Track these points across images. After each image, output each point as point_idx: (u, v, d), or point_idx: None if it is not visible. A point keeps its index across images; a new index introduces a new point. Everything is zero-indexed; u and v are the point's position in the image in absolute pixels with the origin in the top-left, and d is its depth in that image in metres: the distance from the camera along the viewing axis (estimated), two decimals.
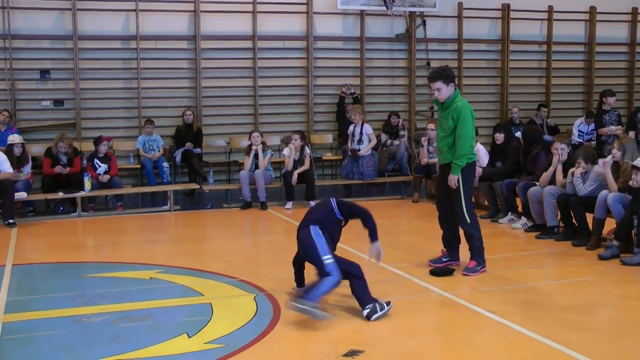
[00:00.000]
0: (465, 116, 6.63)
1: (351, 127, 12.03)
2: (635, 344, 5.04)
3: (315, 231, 5.66)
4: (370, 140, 11.89)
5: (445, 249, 7.21)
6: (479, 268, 6.90)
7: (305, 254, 5.73)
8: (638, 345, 5.03)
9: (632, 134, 10.14)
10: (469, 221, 6.83)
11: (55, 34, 12.45)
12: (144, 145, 12.22)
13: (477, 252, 6.93)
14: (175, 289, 6.48)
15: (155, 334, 5.23)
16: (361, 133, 11.85)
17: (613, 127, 11.99)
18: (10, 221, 9.62)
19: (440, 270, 6.92)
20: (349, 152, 11.90)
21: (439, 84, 6.68)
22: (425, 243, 7.96)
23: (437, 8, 14.01)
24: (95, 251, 8.83)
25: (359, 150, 11.76)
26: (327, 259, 5.52)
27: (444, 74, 6.71)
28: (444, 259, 7.14)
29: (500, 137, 9.95)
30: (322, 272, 5.53)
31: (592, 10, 15.36)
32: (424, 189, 11.81)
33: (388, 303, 5.64)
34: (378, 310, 5.52)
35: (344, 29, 14.00)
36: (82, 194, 10.48)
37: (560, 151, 8.46)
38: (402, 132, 13.29)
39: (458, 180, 6.72)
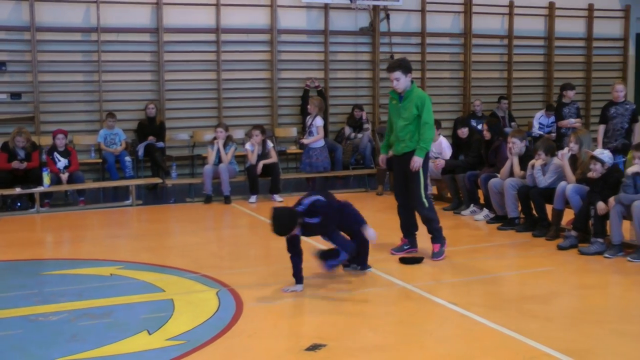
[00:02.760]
0: (429, 104, 6.94)
1: (308, 118, 12.12)
2: (592, 332, 5.10)
3: None
4: (317, 133, 11.93)
5: (404, 238, 7.40)
6: (443, 248, 7.19)
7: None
8: (595, 333, 5.09)
9: (602, 127, 10.22)
10: (427, 205, 7.08)
11: (12, 25, 12.14)
12: (105, 139, 12.03)
13: (438, 234, 7.20)
14: (136, 285, 6.38)
15: (115, 331, 5.14)
16: (311, 125, 11.92)
17: (572, 120, 12.12)
18: None
19: (410, 258, 7.02)
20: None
21: (397, 74, 6.88)
22: (389, 236, 7.93)
23: (400, 2, 14.00)
24: (54, 248, 8.67)
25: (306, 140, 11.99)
26: None
27: (403, 65, 6.95)
28: (405, 247, 7.35)
29: (465, 132, 10.00)
30: None
31: (551, 6, 15.54)
32: (387, 181, 11.80)
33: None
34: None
35: (308, 22, 13.93)
36: (41, 189, 10.27)
37: (511, 144, 8.58)
38: (365, 125, 13.29)
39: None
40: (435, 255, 7.13)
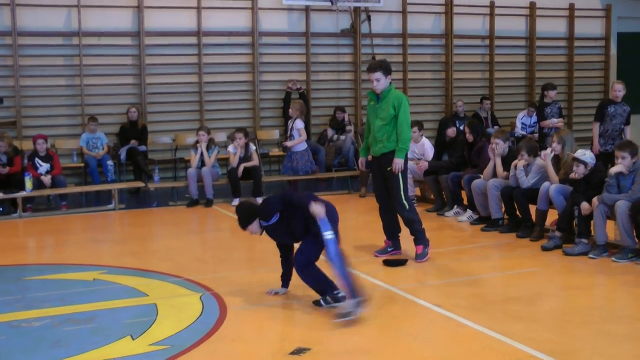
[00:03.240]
0: (406, 104, 6.96)
1: (289, 122, 12.04)
2: (577, 333, 5.11)
3: None
4: (300, 135, 11.81)
5: (388, 240, 7.38)
6: (427, 250, 7.15)
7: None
8: (580, 334, 5.10)
9: (597, 125, 10.16)
10: (407, 207, 7.05)
11: None
12: (87, 143, 11.94)
13: (421, 235, 7.17)
14: (119, 289, 6.34)
15: (99, 336, 5.11)
16: (292, 128, 11.85)
17: (554, 120, 12.08)
18: None
19: (394, 260, 7.01)
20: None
21: (378, 75, 6.89)
22: (372, 238, 7.93)
23: (381, 3, 14.02)
24: (37, 253, 8.59)
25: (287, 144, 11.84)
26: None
27: (383, 66, 6.97)
28: (389, 249, 7.33)
29: (454, 131, 9.97)
30: None
31: (532, 6, 15.59)
32: (370, 183, 11.76)
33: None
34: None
35: (290, 25, 13.91)
36: (23, 194, 10.17)
37: (494, 145, 8.59)
38: (348, 127, 13.27)
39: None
40: (419, 257, 7.12)
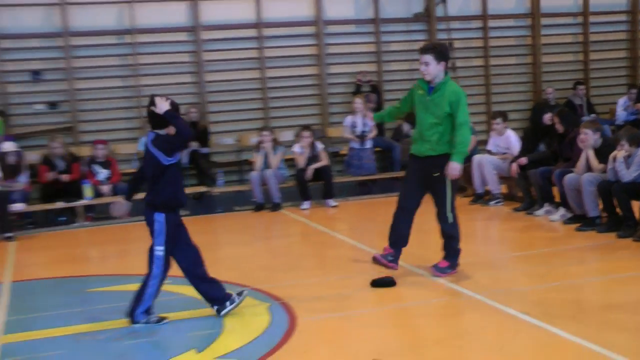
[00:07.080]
0: (464, 102, 6.58)
1: (349, 119, 12.22)
2: None
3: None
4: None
5: (390, 247, 6.92)
6: (449, 270, 6.82)
7: None
8: None
9: None
10: (451, 220, 6.76)
11: (45, 32, 12.53)
12: None
13: (454, 254, 6.87)
14: (183, 300, 6.53)
15: (162, 350, 5.34)
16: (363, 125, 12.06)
17: None
18: (8, 235, 9.72)
19: (382, 280, 6.64)
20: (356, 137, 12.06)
21: (428, 58, 6.52)
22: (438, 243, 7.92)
23: None
24: (100, 263, 8.93)
25: (365, 136, 12.03)
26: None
27: (437, 49, 6.63)
28: (389, 258, 6.86)
29: (551, 117, 9.74)
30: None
31: None
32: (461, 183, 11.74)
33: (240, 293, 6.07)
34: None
35: (357, 11, 13.99)
36: (83, 202, 10.58)
37: (584, 136, 8.48)
38: None
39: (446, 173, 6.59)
40: (437, 269, 6.81)
